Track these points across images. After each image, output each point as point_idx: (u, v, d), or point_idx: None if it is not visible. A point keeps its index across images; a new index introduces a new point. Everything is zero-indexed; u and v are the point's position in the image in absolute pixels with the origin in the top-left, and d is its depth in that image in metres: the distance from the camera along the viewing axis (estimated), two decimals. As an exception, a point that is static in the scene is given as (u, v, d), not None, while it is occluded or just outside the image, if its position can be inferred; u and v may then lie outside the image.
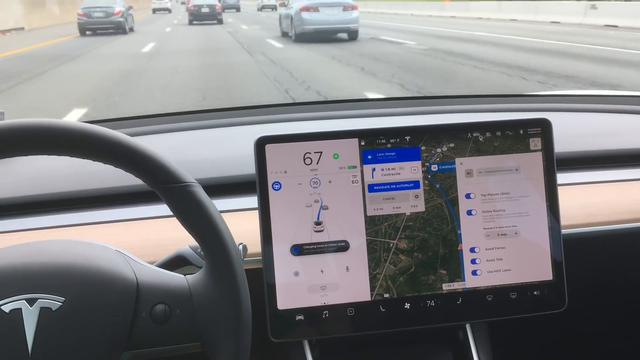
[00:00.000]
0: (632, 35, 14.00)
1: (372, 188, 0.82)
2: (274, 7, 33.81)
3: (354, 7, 14.60)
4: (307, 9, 14.20)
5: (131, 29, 20.25)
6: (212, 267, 0.65)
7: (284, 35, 15.88)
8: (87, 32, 18.82)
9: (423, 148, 0.83)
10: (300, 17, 14.32)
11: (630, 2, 18.22)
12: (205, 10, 24.43)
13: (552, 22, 18.94)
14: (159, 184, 0.64)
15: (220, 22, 24.70)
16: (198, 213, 0.64)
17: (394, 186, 0.82)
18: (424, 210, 0.83)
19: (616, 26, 16.54)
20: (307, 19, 14.30)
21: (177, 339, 0.64)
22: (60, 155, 0.62)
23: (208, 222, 0.64)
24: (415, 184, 0.83)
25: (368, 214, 0.82)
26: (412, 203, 0.82)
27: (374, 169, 0.82)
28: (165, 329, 0.64)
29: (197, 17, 24.48)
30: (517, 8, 21.77)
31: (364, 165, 0.82)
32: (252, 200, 0.85)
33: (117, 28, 19.03)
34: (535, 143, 0.85)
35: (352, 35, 14.83)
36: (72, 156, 0.62)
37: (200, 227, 0.65)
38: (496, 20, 20.93)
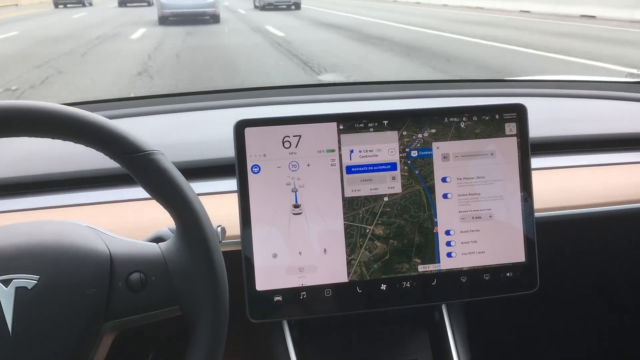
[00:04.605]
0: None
1: (349, 170, 0.83)
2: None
3: (212, -8, 15.07)
4: (165, -7, 14.64)
5: (90, 4, 29.29)
6: (183, 231, 0.66)
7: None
8: (60, 6, 27.93)
9: (404, 133, 0.84)
10: (160, 1, 14.76)
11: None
12: (133, -8, 27.06)
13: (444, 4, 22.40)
14: (120, 155, 0.64)
15: (149, 4, 25.85)
16: (163, 180, 0.64)
17: (372, 168, 0.83)
18: (400, 192, 0.84)
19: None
20: (165, 3, 14.76)
21: (156, 305, 0.65)
22: (21, 136, 0.62)
23: (174, 188, 0.65)
24: (392, 166, 0.84)
25: (346, 195, 0.83)
26: (389, 185, 0.83)
27: (351, 151, 0.83)
28: (143, 297, 0.65)
29: None
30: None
31: (343, 147, 0.83)
32: (231, 183, 0.86)
33: (78, 2, 28.33)
34: (511, 128, 0.87)
35: (214, 19, 15.27)
36: (32, 136, 0.62)
37: (167, 194, 0.65)
38: (400, 3, 25.15)
